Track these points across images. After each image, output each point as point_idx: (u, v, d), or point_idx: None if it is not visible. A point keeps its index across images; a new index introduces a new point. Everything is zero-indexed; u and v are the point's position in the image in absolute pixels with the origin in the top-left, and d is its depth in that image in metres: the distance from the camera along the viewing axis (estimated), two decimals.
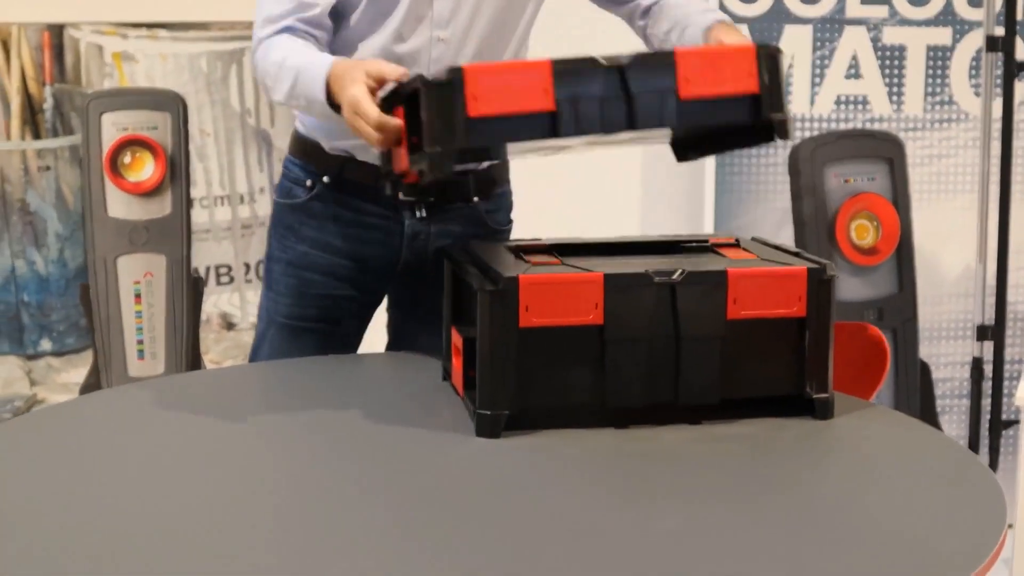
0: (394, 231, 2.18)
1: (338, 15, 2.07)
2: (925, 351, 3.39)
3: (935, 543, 1.42)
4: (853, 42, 3.41)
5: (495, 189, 2.26)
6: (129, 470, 1.62)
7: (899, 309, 3.29)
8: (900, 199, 3.24)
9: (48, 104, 3.35)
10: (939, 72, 3.44)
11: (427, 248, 2.21)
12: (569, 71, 1.69)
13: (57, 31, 3.25)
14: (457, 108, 1.64)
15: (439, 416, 1.83)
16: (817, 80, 3.41)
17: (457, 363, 1.87)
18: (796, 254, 1.90)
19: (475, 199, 2.21)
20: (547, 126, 1.68)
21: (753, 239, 2.03)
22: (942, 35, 3.43)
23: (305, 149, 2.20)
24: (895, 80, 3.43)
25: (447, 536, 1.45)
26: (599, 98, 1.70)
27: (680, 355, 1.77)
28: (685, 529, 1.45)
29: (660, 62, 1.74)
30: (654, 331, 1.76)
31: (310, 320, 2.20)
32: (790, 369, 1.81)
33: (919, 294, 3.31)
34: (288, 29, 2.01)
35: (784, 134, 1.78)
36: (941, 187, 3.49)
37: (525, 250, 1.89)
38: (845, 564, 1.36)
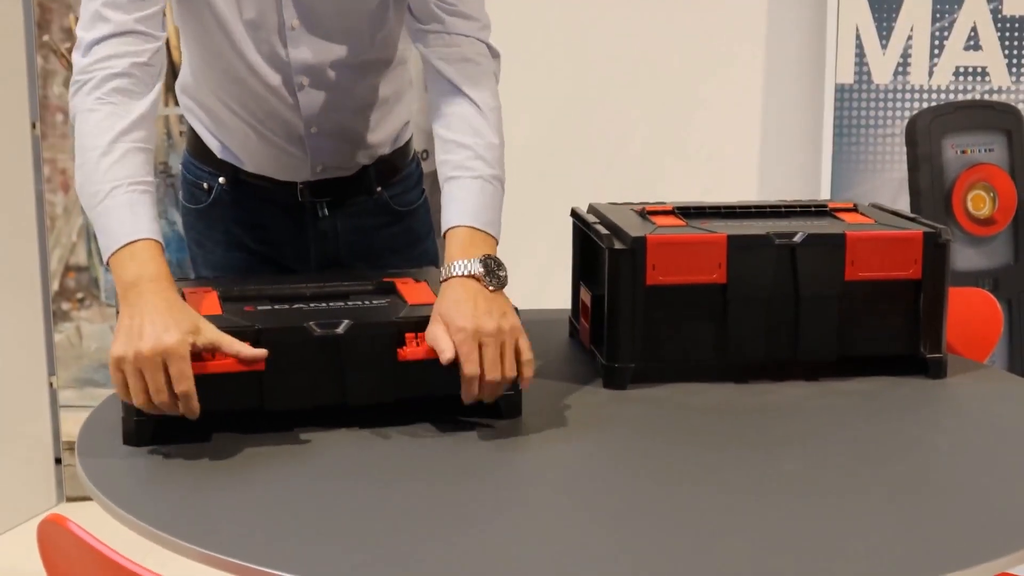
0: (302, 233, 2.08)
1: None
2: None
3: None
4: (973, 13, 3.42)
5: (396, 175, 2.13)
6: None
7: (1015, 279, 3.31)
8: (1018, 170, 3.26)
9: None
10: None
11: (339, 247, 2.10)
12: None
13: None
14: None
15: (568, 369, 1.93)
16: (936, 51, 3.43)
17: (585, 319, 1.97)
18: (912, 219, 1.97)
19: (378, 189, 2.09)
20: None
21: (871, 205, 2.10)
22: None
23: (200, 149, 2.07)
24: (1015, 51, 3.44)
25: (578, 478, 1.56)
26: None
27: (799, 314, 1.85)
28: (802, 474, 1.53)
29: None
30: (774, 290, 1.84)
31: None
32: (905, 329, 1.89)
33: None
34: (121, 78, 1.72)
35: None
36: None
37: (651, 212, 1.97)
38: (948, 516, 1.43)
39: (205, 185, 2.07)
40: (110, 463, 1.57)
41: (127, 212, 1.65)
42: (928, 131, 3.25)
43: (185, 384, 1.54)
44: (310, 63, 1.90)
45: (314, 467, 1.55)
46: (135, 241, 1.63)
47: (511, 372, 1.65)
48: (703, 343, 1.85)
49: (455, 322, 1.63)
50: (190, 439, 1.62)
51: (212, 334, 1.58)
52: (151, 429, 1.60)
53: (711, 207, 2.01)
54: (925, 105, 3.41)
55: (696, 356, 1.86)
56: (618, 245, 1.82)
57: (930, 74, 3.44)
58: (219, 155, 2.04)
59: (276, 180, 2.04)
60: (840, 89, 3.39)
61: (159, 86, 1.76)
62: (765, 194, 3.61)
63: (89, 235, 3.51)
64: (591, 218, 1.98)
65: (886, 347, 1.90)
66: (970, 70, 3.44)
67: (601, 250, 1.86)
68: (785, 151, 3.63)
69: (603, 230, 1.88)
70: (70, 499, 3.50)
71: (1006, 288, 3.31)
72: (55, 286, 3.52)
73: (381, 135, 2.06)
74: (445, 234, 1.76)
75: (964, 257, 3.27)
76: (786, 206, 2.04)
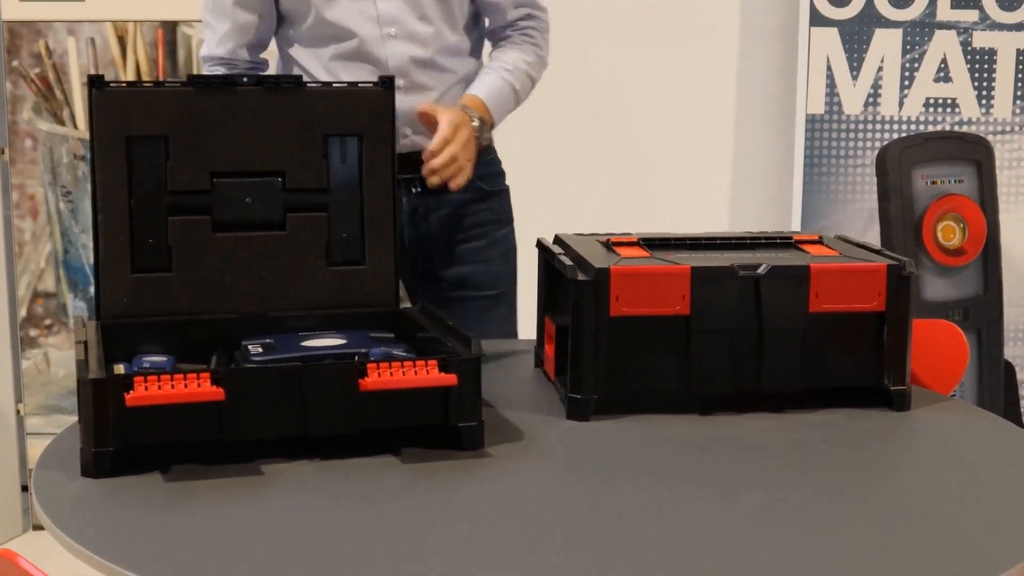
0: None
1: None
2: (1010, 352, 3.42)
3: (994, 532, 1.48)
4: (943, 46, 3.45)
5: (482, 155, 2.35)
6: None
7: (984, 310, 3.32)
8: (987, 201, 3.28)
9: None
10: None
11: (430, 221, 2.35)
12: None
13: (171, 28, 3.40)
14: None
15: (532, 400, 1.92)
16: (906, 83, 3.45)
17: (550, 349, 1.97)
18: (877, 251, 1.97)
19: None
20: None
21: (837, 237, 2.11)
22: None
23: None
24: (984, 83, 3.46)
25: (539, 510, 1.55)
26: None
27: (763, 346, 1.85)
28: (764, 509, 1.53)
29: None
30: (738, 322, 1.84)
31: None
32: (869, 361, 1.89)
33: (1005, 295, 3.34)
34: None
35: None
36: None
37: (616, 243, 1.97)
38: (912, 548, 1.43)
39: None
40: (67, 494, 1.56)
41: None
42: (898, 162, 3.27)
43: None
44: (394, 14, 2.23)
45: (273, 499, 1.54)
46: None
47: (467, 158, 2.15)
48: (667, 375, 1.85)
49: (445, 117, 2.15)
50: (149, 470, 1.61)
51: None
52: (110, 460, 1.59)
53: (676, 238, 2.01)
54: (895, 136, 3.42)
55: (660, 387, 1.86)
56: (582, 276, 1.82)
57: (900, 105, 3.46)
58: None
59: None
60: (811, 119, 3.41)
61: None
62: (736, 224, 3.61)
63: (57, 261, 3.50)
64: (556, 249, 1.98)
65: (850, 379, 1.90)
66: (940, 101, 3.47)
67: (565, 281, 1.85)
68: (756, 181, 3.64)
69: (567, 261, 1.88)
70: (36, 527, 3.47)
71: (976, 318, 3.32)
72: (23, 312, 3.50)
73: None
74: (465, 94, 2.30)
75: (934, 287, 3.28)
76: (751, 238, 2.04)
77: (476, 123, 2.23)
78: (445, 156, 2.12)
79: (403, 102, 2.20)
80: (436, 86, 2.31)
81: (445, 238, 2.37)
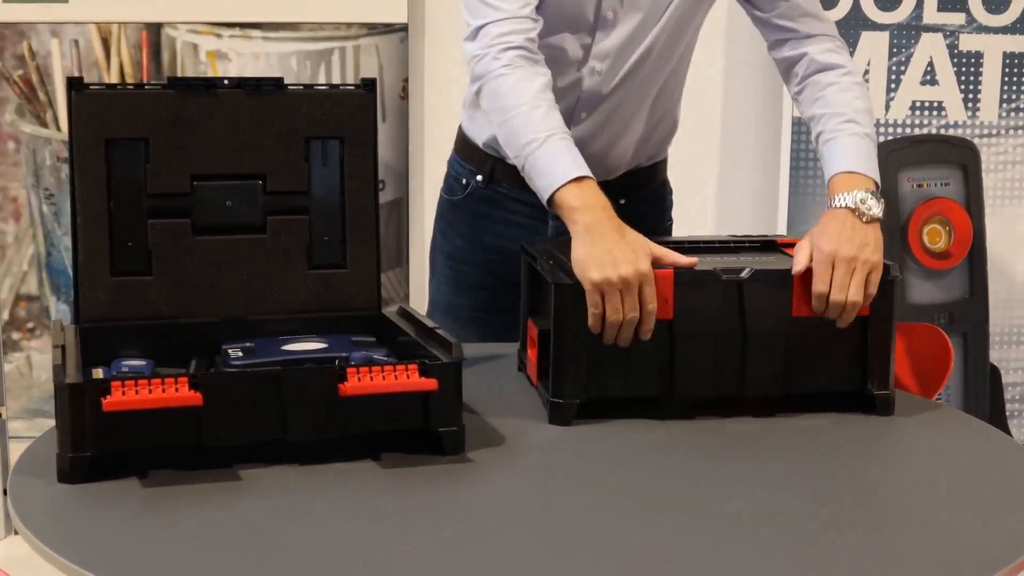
0: (540, 230, 2.25)
1: None
2: (996, 356, 3.42)
3: (980, 536, 1.48)
4: (929, 49, 3.44)
5: (641, 191, 2.29)
6: None
7: (970, 313, 3.32)
8: (973, 205, 3.27)
9: None
10: (1015, 79, 3.46)
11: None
12: None
13: (155, 30, 3.39)
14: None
15: (514, 404, 1.91)
16: (893, 86, 3.44)
17: (532, 353, 1.96)
18: None
19: (621, 201, 2.12)
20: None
21: None
22: (1019, 42, 3.44)
23: (464, 147, 2.31)
24: (971, 87, 3.46)
25: (520, 515, 1.54)
26: None
27: (746, 350, 1.84)
28: (747, 512, 1.52)
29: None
30: (721, 326, 1.83)
31: (467, 309, 2.32)
32: (853, 366, 1.88)
33: (991, 299, 3.34)
34: (520, 49, 1.98)
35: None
36: (1015, 193, 3.51)
37: None
38: (899, 552, 1.43)
39: (463, 181, 2.31)
40: (43, 499, 1.55)
41: (567, 155, 1.90)
42: (884, 165, 3.25)
43: (655, 302, 1.78)
44: (607, 51, 2.11)
45: (252, 505, 1.53)
46: (582, 178, 1.87)
47: (855, 297, 1.81)
48: (649, 379, 1.84)
49: (817, 243, 1.85)
50: (127, 475, 1.59)
51: (657, 248, 1.83)
52: (87, 465, 1.58)
53: (658, 242, 2.00)
54: (881, 139, 3.41)
55: (642, 392, 1.85)
56: (564, 280, 1.81)
57: (887, 108, 3.45)
58: (483, 147, 2.25)
59: None
60: (797, 121, 3.40)
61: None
62: (722, 227, 3.60)
63: (40, 264, 3.48)
64: (539, 252, 1.97)
65: (833, 383, 1.89)
66: (926, 104, 3.46)
67: (547, 285, 1.84)
68: (742, 184, 3.63)
69: (549, 264, 1.87)
70: (17, 532, 3.45)
71: (961, 322, 3.32)
72: (5, 315, 3.48)
73: (640, 149, 2.25)
74: (828, 181, 1.97)
75: (920, 291, 3.28)
76: (735, 241, 2.03)
77: (867, 216, 1.89)
78: (831, 306, 1.83)
79: (594, 84, 2.14)
80: (617, 132, 2.20)
81: None
